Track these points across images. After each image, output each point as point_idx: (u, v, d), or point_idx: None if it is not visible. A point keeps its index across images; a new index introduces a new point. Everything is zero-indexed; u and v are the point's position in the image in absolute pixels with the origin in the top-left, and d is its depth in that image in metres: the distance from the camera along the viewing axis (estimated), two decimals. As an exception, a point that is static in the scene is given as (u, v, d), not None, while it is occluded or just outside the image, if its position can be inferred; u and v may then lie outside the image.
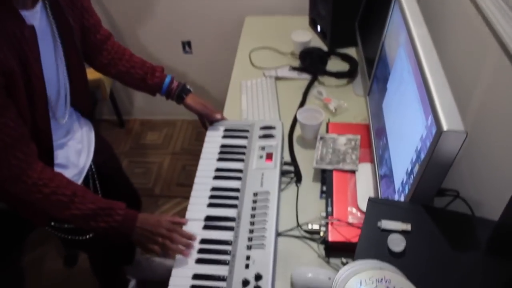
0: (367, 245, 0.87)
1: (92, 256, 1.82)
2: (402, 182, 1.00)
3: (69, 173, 1.32)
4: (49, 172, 1.14)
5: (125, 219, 1.17)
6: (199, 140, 1.48)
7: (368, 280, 0.74)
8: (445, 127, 0.79)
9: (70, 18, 1.20)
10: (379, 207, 0.93)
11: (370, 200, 0.93)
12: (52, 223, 1.34)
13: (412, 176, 0.93)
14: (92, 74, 1.49)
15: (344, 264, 1.17)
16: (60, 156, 1.30)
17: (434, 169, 0.86)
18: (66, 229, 1.35)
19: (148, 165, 2.82)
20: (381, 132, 1.26)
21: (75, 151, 1.36)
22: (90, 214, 1.14)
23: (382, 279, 0.74)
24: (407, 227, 0.87)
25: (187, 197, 1.33)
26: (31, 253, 2.35)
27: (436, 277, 0.81)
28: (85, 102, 1.41)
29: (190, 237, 1.20)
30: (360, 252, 0.85)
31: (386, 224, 0.88)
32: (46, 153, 1.23)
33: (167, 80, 1.49)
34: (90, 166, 1.45)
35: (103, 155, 1.56)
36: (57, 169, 1.27)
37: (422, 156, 0.89)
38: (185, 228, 1.24)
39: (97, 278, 1.90)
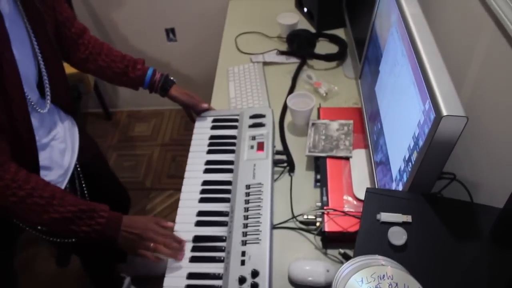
0: (367, 239, 0.83)
1: (83, 257, 1.78)
2: (399, 170, 0.97)
3: (53, 175, 1.27)
4: (23, 173, 1.05)
5: (109, 221, 1.10)
6: (188, 130, 1.43)
7: (369, 277, 0.70)
8: (444, 112, 0.75)
9: (40, 8, 1.14)
10: (377, 198, 0.89)
11: (368, 191, 0.89)
12: (39, 227, 1.28)
13: (410, 163, 0.89)
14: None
15: (341, 255, 1.14)
16: (43, 157, 1.23)
17: (434, 156, 0.82)
18: (52, 232, 1.30)
19: (138, 157, 2.77)
20: (375, 117, 1.22)
21: (59, 151, 1.30)
22: (70, 218, 1.07)
23: (384, 275, 0.70)
24: (408, 218, 0.83)
25: (178, 189, 1.29)
26: (22, 254, 2.30)
27: (440, 270, 0.78)
28: (65, 97, 1.34)
29: (181, 242, 1.15)
30: (360, 247, 0.81)
31: (386, 216, 0.84)
32: (30, 152, 1.16)
33: (149, 72, 1.43)
34: (75, 165, 1.39)
35: (88, 153, 1.50)
36: (41, 172, 1.22)
37: (421, 142, 0.85)
38: (177, 224, 1.20)
39: (90, 278, 1.86)
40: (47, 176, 1.24)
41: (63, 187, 1.31)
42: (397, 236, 0.81)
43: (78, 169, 1.42)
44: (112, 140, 2.88)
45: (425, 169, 0.85)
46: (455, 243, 0.81)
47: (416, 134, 0.88)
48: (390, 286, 0.69)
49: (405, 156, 0.94)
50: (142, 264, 2.05)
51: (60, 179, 1.29)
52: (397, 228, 0.82)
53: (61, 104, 1.33)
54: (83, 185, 1.45)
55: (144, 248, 1.12)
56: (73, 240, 1.28)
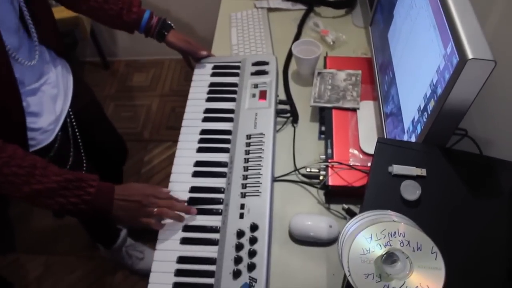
0: (376, 193, 0.77)
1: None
2: (412, 121, 0.89)
3: (44, 121, 1.19)
4: None
5: (100, 191, 0.99)
6: (189, 80, 1.35)
7: (379, 233, 0.65)
8: (470, 55, 0.67)
9: None
10: (389, 149, 0.82)
11: (379, 141, 0.82)
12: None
13: (426, 113, 0.82)
14: (67, 11, 1.33)
15: (345, 210, 1.09)
16: (32, 103, 1.15)
17: (454, 105, 0.75)
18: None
19: (136, 108, 2.69)
20: (386, 66, 1.14)
21: (50, 96, 1.22)
22: (55, 188, 0.95)
23: (395, 232, 0.65)
24: (422, 172, 0.77)
25: (177, 141, 1.23)
26: (18, 206, 2.27)
27: (455, 228, 0.72)
28: (54, 38, 1.25)
29: (183, 203, 1.08)
30: (369, 201, 0.75)
31: (398, 169, 0.77)
32: (14, 103, 1.08)
33: (146, 15, 1.33)
34: (68, 112, 1.32)
35: (83, 100, 1.42)
36: (30, 119, 1.14)
37: (439, 90, 0.77)
38: (173, 174, 1.14)
39: (86, 230, 1.82)
40: (37, 123, 1.17)
41: (54, 135, 1.23)
42: (410, 191, 0.75)
43: (72, 116, 1.34)
44: (110, 90, 2.80)
45: (443, 120, 0.78)
46: (472, 200, 0.75)
47: (434, 82, 0.80)
48: (402, 244, 0.64)
49: (420, 106, 0.86)
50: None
51: (51, 126, 1.22)
52: (410, 182, 0.75)
53: (50, 44, 1.24)
54: (77, 133, 1.37)
55: (146, 215, 1.03)
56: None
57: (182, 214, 1.05)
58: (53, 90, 1.23)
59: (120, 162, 1.82)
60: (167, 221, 1.05)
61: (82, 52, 2.89)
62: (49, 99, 1.22)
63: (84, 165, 1.40)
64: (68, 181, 0.96)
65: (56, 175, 0.96)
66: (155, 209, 1.03)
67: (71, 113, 1.34)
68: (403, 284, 0.61)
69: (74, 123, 1.36)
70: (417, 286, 0.61)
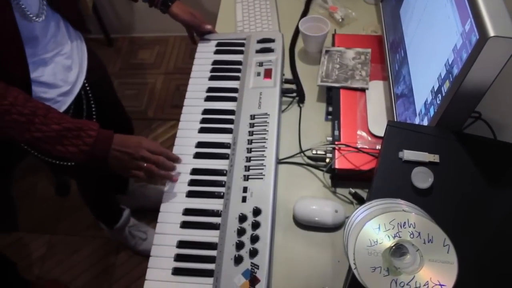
0: (385, 180, 0.72)
1: (82, 185, 1.70)
2: (425, 103, 0.85)
3: (56, 92, 1.16)
4: (1, 86, 0.94)
5: (98, 140, 1.00)
6: (194, 58, 1.30)
7: (388, 224, 0.60)
8: (491, 32, 0.62)
9: None
10: (400, 133, 0.77)
11: (389, 124, 0.78)
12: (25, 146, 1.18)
13: (440, 95, 0.77)
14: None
15: (352, 195, 1.05)
16: (45, 73, 1.11)
17: (471, 87, 0.70)
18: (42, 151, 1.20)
19: (140, 86, 2.65)
20: (398, 44, 1.08)
21: (63, 67, 1.18)
22: (54, 137, 0.96)
23: (405, 222, 0.60)
24: (435, 158, 0.72)
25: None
26: (22, 183, 2.26)
27: (470, 219, 0.68)
28: (68, 4, 1.20)
29: (177, 159, 1.08)
30: (377, 189, 0.71)
31: (409, 154, 0.72)
32: (18, 66, 1.04)
33: None
34: (84, 84, 1.27)
35: (97, 74, 1.37)
36: (41, 88, 1.11)
37: (455, 71, 0.72)
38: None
39: (89, 208, 1.80)
40: (47, 93, 1.14)
41: (65, 106, 1.19)
42: (422, 178, 0.70)
43: (88, 88, 1.30)
44: (114, 68, 2.75)
45: (458, 102, 0.73)
46: (488, 189, 0.71)
47: (450, 61, 0.75)
48: (412, 236, 0.60)
49: (433, 87, 0.81)
50: (141, 195, 1.99)
51: (61, 98, 1.18)
52: (422, 169, 0.71)
53: (65, 14, 1.19)
54: (93, 107, 1.33)
55: (137, 168, 1.04)
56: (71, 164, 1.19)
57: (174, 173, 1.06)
58: (67, 61, 1.19)
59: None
60: (169, 203, 1.03)
61: (85, 29, 2.84)
62: (62, 70, 1.18)
63: None
64: (67, 130, 0.97)
65: (56, 123, 0.97)
66: (145, 164, 1.04)
67: (86, 85, 1.29)
68: (412, 279, 0.57)
69: (90, 96, 1.32)
70: (427, 281, 0.57)
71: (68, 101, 1.21)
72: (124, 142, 1.04)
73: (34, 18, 1.04)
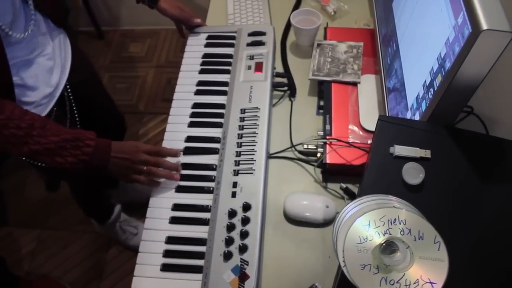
0: (376, 176, 0.71)
1: (73, 184, 1.68)
2: (417, 97, 0.83)
3: (37, 95, 1.13)
4: None
5: (97, 150, 1.00)
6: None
7: (378, 220, 0.59)
8: (484, 25, 0.61)
9: None
10: (391, 127, 0.76)
11: (380, 119, 0.76)
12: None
13: (432, 89, 0.76)
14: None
15: (343, 190, 1.04)
16: (25, 76, 1.09)
17: (463, 81, 0.68)
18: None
19: (131, 79, 2.62)
20: (390, 38, 1.07)
21: (45, 69, 1.15)
22: (53, 149, 0.96)
23: (395, 219, 0.59)
24: (426, 154, 0.71)
25: (170, 114, 1.17)
26: (11, 178, 2.23)
27: (462, 216, 0.67)
28: (51, 4, 1.17)
29: (176, 153, 1.07)
30: (367, 184, 0.70)
31: (400, 150, 0.71)
32: (2, 77, 1.02)
33: None
34: (66, 86, 1.25)
35: (82, 73, 1.34)
36: (22, 91, 1.09)
37: (447, 65, 0.71)
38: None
39: (79, 205, 1.78)
40: (30, 96, 1.11)
41: (48, 109, 1.17)
42: (413, 174, 0.69)
43: (69, 90, 1.27)
44: (105, 61, 2.72)
45: (450, 97, 0.72)
46: (481, 185, 0.70)
47: (443, 55, 0.74)
48: (402, 233, 0.59)
49: (425, 81, 0.80)
50: (132, 189, 1.97)
51: (44, 100, 1.16)
52: (413, 165, 0.70)
53: (47, 12, 1.16)
54: (74, 109, 1.31)
55: (137, 172, 1.03)
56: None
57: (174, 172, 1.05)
58: (48, 62, 1.17)
59: (118, 138, 1.76)
60: (158, 198, 1.02)
61: (75, 21, 2.79)
62: (44, 71, 1.15)
63: None
64: (66, 141, 0.97)
65: (54, 135, 0.97)
66: (145, 167, 1.03)
67: (68, 87, 1.27)
68: (402, 277, 0.56)
69: (71, 98, 1.30)
70: (417, 279, 0.56)
71: (51, 103, 1.19)
72: (121, 148, 1.03)
73: (21, 35, 1.04)
